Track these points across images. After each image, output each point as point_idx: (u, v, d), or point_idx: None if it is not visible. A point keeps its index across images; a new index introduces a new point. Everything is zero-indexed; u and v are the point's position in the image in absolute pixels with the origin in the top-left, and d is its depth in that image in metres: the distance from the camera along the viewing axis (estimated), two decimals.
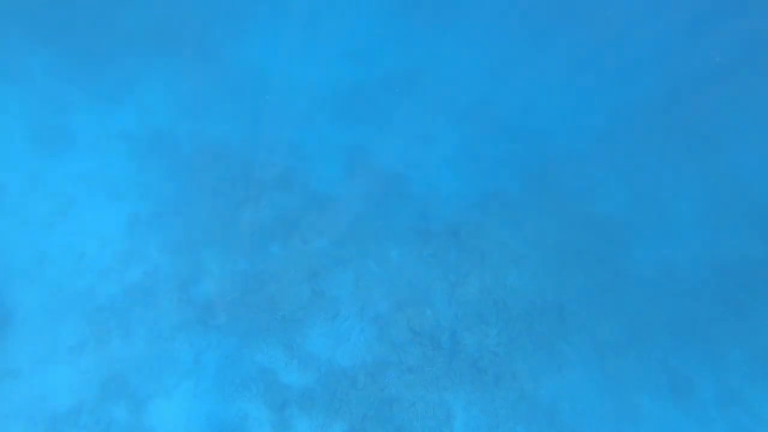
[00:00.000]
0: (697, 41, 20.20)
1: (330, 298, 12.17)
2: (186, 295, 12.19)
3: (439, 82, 18.10)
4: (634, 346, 12.08)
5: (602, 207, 14.83)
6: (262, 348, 11.57)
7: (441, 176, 15.06)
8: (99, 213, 13.67)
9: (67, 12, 18.07)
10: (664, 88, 18.15)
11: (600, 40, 19.84)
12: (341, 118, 16.47)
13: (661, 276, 13.68)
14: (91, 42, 17.71)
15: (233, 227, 13.34)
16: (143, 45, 17.71)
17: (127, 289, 12.21)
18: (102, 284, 12.30)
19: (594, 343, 12.02)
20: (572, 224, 14.26)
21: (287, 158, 15.00)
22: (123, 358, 11.02)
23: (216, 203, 13.82)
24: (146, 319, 11.72)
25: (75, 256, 12.78)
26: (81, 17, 18.11)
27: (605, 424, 11.11)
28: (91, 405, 10.44)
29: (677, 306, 13.01)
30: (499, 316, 11.98)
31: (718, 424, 11.46)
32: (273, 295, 12.15)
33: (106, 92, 16.49)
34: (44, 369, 10.78)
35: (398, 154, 15.60)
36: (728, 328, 12.71)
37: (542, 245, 13.53)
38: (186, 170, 14.60)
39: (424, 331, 11.62)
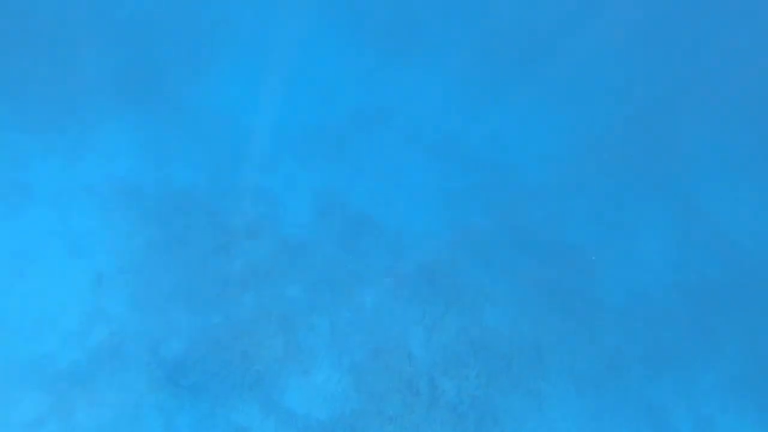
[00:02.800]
0: (660, 69, 21.17)
1: (305, 349, 11.92)
2: (155, 355, 11.73)
3: (406, 118, 18.34)
4: (612, 379, 12.20)
5: (572, 237, 15.12)
6: (237, 406, 11.17)
7: (412, 215, 15.11)
8: (60, 272, 13.11)
9: (22, 61, 17.67)
10: (628, 116, 18.86)
11: (564, 71, 20.56)
12: (309, 160, 16.43)
13: (632, 304, 13.96)
14: (48, 91, 17.28)
15: (203, 279, 13.00)
16: (103, 93, 17.39)
17: (92, 352, 11.67)
18: (64, 349, 11.72)
19: (573, 379, 12.08)
20: (544, 257, 14.47)
21: (256, 204, 14.82)
22: (88, 431, 10.44)
23: (184, 255, 13.47)
24: (113, 384, 11.19)
25: (33, 320, 12.16)
26: (36, 66, 17.72)
27: None
28: None
29: (650, 334, 13.26)
30: (477, 357, 11.94)
31: None
32: (247, 349, 11.82)
33: (65, 143, 16.05)
34: None
35: (368, 194, 15.62)
36: (699, 354, 13.01)
37: (516, 280, 13.66)
38: (152, 222, 14.23)
39: (403, 378, 11.46)
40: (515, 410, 11.38)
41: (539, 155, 17.43)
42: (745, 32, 21.87)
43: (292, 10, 20.32)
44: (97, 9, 19.49)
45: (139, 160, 15.82)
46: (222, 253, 13.47)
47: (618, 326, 13.21)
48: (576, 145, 17.95)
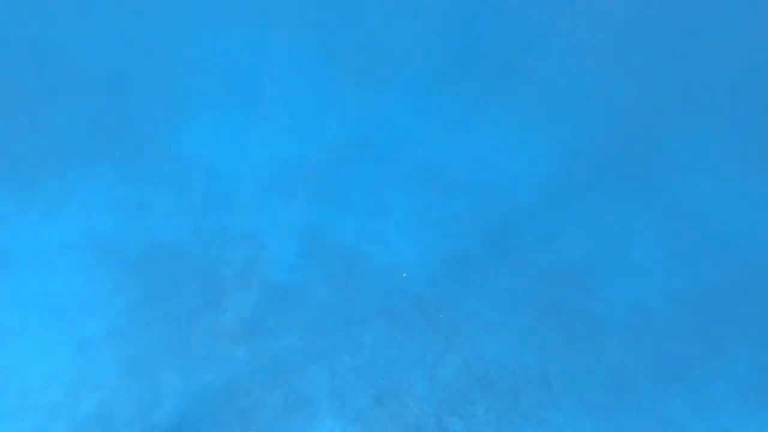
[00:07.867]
0: (638, 75, 21.35)
1: (306, 401, 11.42)
2: (148, 422, 11.14)
3: (389, 148, 18.19)
4: (623, 400, 11.84)
5: (566, 256, 14.91)
6: None
7: (402, 247, 14.81)
8: (43, 341, 12.52)
9: None
10: (610, 129, 18.88)
11: (541, 85, 20.62)
12: (293, 199, 16.12)
13: (635, 318, 13.71)
14: (21, 149, 16.89)
15: (194, 336, 12.49)
16: (78, 147, 17.04)
17: (80, 425, 11.06)
18: (50, 424, 11.08)
19: (583, 404, 11.71)
20: (540, 278, 14.22)
21: (243, 250, 14.42)
22: None
23: (172, 311, 12.97)
24: None
25: (17, 394, 11.53)
26: (7, 124, 17.33)
27: None
28: None
29: (655, 348, 12.98)
30: (484, 392, 11.54)
31: None
32: (244, 407, 11.29)
33: (41, 204, 15.58)
34: None
35: (356, 229, 15.33)
36: (708, 364, 12.74)
37: (514, 306, 13.35)
38: (137, 278, 13.74)
39: (410, 422, 11.00)
40: None
41: (524, 173, 17.34)
42: (721, 33, 22.24)
43: (265, 47, 20.25)
44: (67, 64, 19.25)
45: (119, 215, 15.38)
46: (211, 306, 13.01)
47: (623, 343, 12.93)
48: (560, 160, 17.90)
